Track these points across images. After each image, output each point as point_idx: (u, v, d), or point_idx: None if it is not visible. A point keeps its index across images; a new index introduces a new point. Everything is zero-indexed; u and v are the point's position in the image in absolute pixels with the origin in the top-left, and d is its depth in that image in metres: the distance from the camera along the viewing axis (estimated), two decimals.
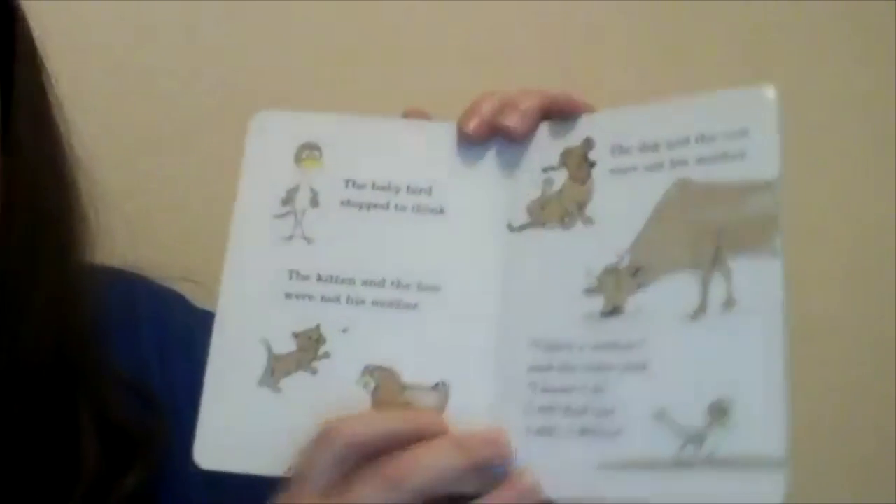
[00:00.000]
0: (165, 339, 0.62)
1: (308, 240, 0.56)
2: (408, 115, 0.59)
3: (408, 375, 0.54)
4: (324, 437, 0.49)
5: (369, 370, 0.54)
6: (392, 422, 0.51)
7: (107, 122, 0.78)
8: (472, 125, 0.56)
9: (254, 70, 0.83)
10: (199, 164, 0.81)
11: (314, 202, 0.57)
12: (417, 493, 0.48)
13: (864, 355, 0.99)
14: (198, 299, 0.65)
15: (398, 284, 0.55)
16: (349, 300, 0.55)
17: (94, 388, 0.56)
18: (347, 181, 0.57)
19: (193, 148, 0.82)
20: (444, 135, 0.58)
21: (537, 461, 0.51)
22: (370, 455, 0.49)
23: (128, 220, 0.62)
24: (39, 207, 0.54)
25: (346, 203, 0.57)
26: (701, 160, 0.52)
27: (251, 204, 0.57)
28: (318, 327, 0.55)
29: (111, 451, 0.55)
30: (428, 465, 0.48)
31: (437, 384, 0.54)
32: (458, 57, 0.90)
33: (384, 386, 0.54)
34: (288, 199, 0.57)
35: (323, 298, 0.55)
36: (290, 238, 0.56)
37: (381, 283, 0.55)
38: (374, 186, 0.57)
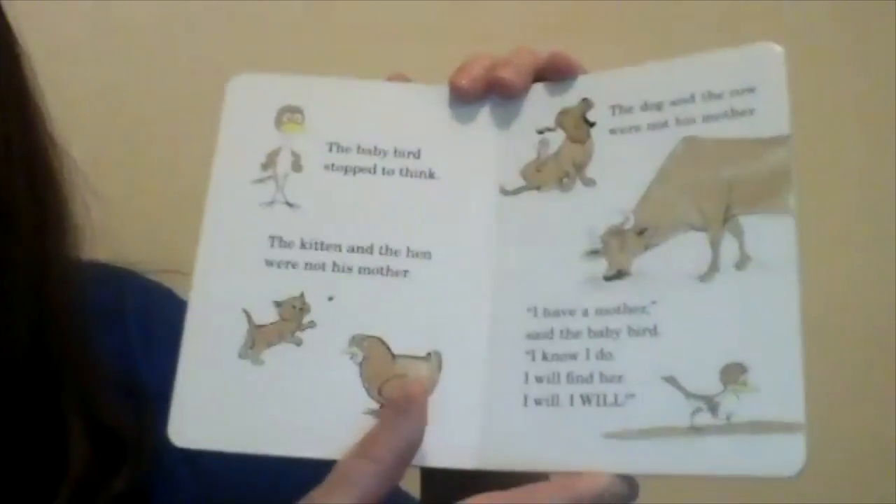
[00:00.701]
0: (152, 332, 0.60)
1: (290, 205, 0.53)
2: (390, 80, 0.57)
3: (398, 345, 0.51)
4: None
5: (357, 340, 0.51)
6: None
7: (97, 117, 0.77)
8: (466, 80, 0.54)
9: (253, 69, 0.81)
10: (189, 157, 0.79)
11: (296, 166, 0.54)
12: None
13: (864, 355, 0.99)
14: (186, 292, 0.62)
15: (387, 250, 0.52)
16: (335, 267, 0.52)
17: (81, 387, 0.53)
18: (331, 145, 0.54)
19: (182, 140, 0.81)
20: (432, 97, 0.55)
21: (538, 432, 0.49)
22: None
23: (117, 215, 0.60)
24: (15, 200, 0.52)
25: (330, 167, 0.54)
26: (708, 118, 0.50)
27: (228, 169, 0.54)
28: (301, 295, 0.51)
29: (100, 451, 0.53)
30: None
31: (428, 353, 0.51)
32: (446, 35, 0.90)
33: (373, 356, 0.51)
34: (268, 164, 0.54)
35: (307, 266, 0.52)
36: (271, 203, 0.53)
37: (369, 250, 0.52)
38: (359, 150, 0.54)
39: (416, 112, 0.55)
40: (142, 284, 0.64)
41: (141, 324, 0.61)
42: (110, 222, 0.59)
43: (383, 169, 0.54)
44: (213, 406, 0.49)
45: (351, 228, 0.53)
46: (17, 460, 0.50)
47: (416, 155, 0.54)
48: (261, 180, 0.53)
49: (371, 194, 0.53)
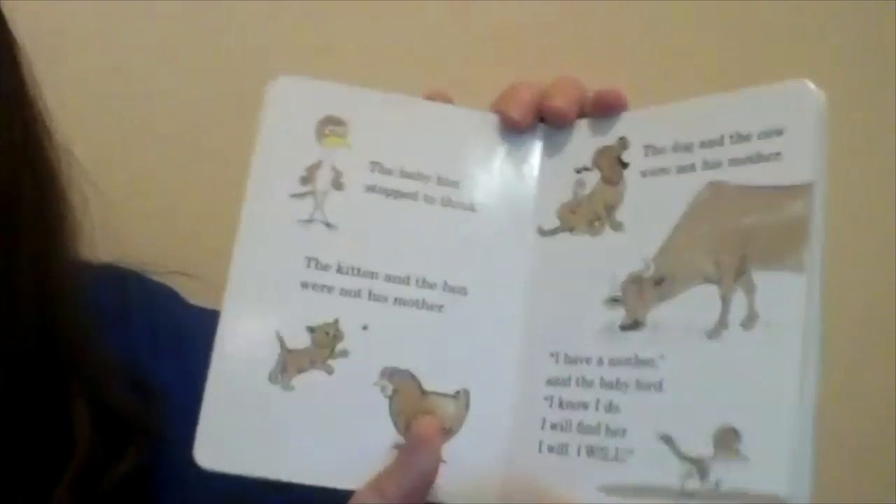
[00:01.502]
0: (156, 334, 0.61)
1: (329, 225, 0.52)
2: (430, 97, 0.55)
3: (428, 380, 0.52)
4: None
5: (388, 373, 0.52)
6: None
7: (102, 118, 0.79)
8: (517, 111, 0.52)
9: (252, 70, 0.79)
10: (195, 160, 0.81)
11: (337, 184, 0.53)
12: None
13: (864, 355, 0.96)
14: (191, 294, 0.65)
15: (423, 283, 0.52)
16: (371, 296, 0.52)
17: (84, 374, 0.55)
18: (374, 164, 0.53)
19: (189, 143, 0.82)
20: (478, 123, 0.54)
21: (548, 479, 0.49)
22: None
23: (122, 215, 0.63)
24: (18, 193, 0.53)
25: (372, 189, 0.53)
26: (735, 161, 0.48)
27: (266, 181, 0.52)
28: (336, 322, 0.51)
29: (105, 435, 0.54)
30: None
31: (457, 392, 0.52)
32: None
33: (403, 391, 0.52)
34: (308, 178, 0.52)
35: (342, 291, 0.52)
36: (310, 221, 0.52)
37: (406, 281, 0.52)
38: (402, 173, 0.53)
39: (461, 139, 0.54)
40: (146, 286, 0.64)
41: (146, 327, 0.61)
42: (115, 223, 0.61)
43: (425, 196, 0.53)
44: (240, 430, 0.50)
45: (389, 256, 0.52)
46: (24, 445, 0.52)
47: (456, 185, 0.53)
48: (300, 195, 0.52)
49: (411, 222, 0.53)
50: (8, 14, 0.56)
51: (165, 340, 0.59)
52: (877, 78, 0.98)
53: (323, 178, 0.53)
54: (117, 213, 0.62)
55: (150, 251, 0.64)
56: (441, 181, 0.53)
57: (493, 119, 0.54)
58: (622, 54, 0.93)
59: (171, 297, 0.64)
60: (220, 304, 0.51)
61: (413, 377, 0.52)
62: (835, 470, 0.89)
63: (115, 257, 0.61)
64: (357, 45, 0.84)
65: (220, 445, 0.50)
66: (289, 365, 0.51)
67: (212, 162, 0.69)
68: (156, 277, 0.64)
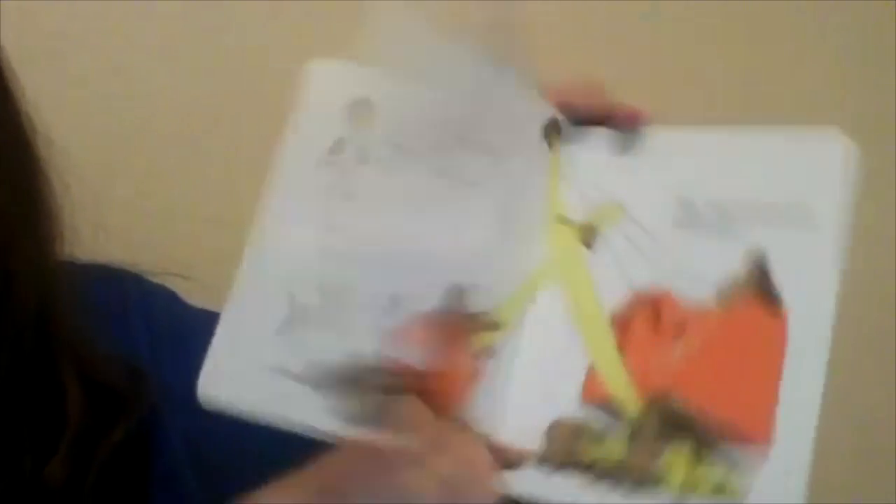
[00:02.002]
0: (155, 335, 0.62)
1: (351, 195, 0.53)
2: None
3: None
4: None
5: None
6: None
7: (103, 118, 0.79)
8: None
9: (250, 72, 0.82)
10: (196, 160, 0.81)
11: (363, 159, 0.54)
12: None
13: (864, 355, 0.96)
14: (189, 295, 0.65)
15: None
16: (385, 265, 0.52)
17: (76, 354, 0.56)
18: (397, 146, 0.54)
19: (189, 144, 0.82)
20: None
21: None
22: None
23: (124, 216, 0.64)
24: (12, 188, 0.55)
25: (393, 167, 0.53)
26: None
27: (297, 150, 0.54)
28: (346, 286, 0.52)
29: (96, 408, 0.55)
30: None
31: None
32: None
33: None
34: (336, 149, 0.54)
35: (359, 259, 0.52)
36: (334, 189, 0.53)
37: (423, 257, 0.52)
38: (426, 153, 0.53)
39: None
40: (145, 286, 0.65)
41: (145, 325, 0.62)
42: (117, 223, 0.62)
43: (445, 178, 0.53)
44: (244, 372, 0.51)
45: (407, 232, 0.52)
46: (22, 421, 0.54)
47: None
48: (327, 164, 0.54)
49: (428, 201, 0.53)
50: (7, 14, 0.57)
51: (164, 339, 0.60)
52: (877, 78, 0.99)
53: (350, 152, 0.54)
54: (118, 214, 0.63)
55: (149, 250, 0.65)
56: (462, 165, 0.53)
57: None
58: (616, 50, 0.93)
59: (170, 297, 0.65)
60: (221, 305, 0.52)
61: None
62: (835, 470, 0.91)
63: (116, 257, 0.62)
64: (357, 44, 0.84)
65: (222, 381, 0.51)
66: (296, 320, 0.52)
67: (212, 162, 0.69)
68: (154, 279, 0.65)
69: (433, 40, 0.51)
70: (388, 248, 0.52)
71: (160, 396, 0.56)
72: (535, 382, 0.51)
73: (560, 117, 0.53)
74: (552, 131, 0.53)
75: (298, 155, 0.54)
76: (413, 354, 0.50)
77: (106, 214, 0.59)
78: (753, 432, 0.47)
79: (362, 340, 0.51)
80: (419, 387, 0.50)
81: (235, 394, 0.51)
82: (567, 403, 0.50)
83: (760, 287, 0.49)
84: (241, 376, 0.51)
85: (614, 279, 0.52)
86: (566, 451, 0.50)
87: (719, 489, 0.47)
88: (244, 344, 0.52)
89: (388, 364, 0.50)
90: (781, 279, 0.49)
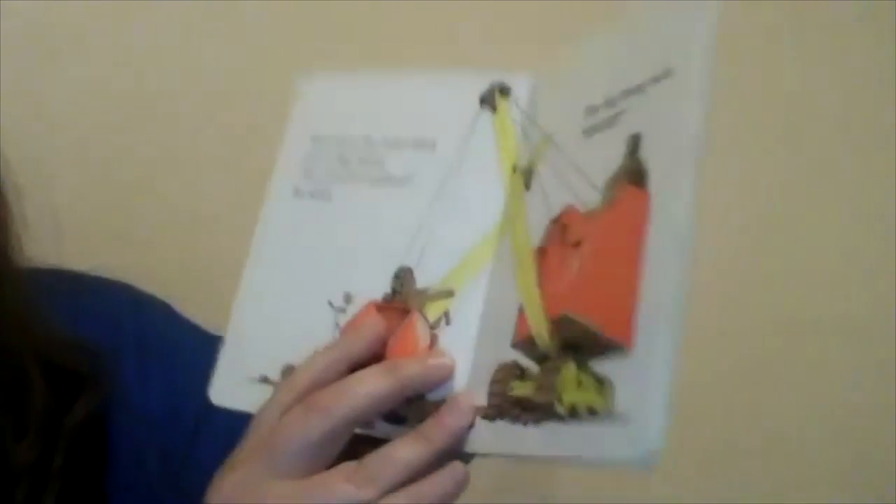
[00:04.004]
0: (144, 352, 0.62)
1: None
2: None
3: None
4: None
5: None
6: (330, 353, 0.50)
7: (105, 119, 0.80)
8: None
9: (251, 74, 0.82)
10: (197, 162, 0.82)
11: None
12: (346, 419, 0.47)
13: (864, 355, 0.95)
14: (185, 299, 0.65)
15: None
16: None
17: (37, 346, 0.57)
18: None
19: (190, 145, 0.82)
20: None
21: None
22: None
23: (126, 217, 0.66)
24: None
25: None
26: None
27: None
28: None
29: (59, 388, 0.57)
30: (356, 391, 0.47)
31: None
32: None
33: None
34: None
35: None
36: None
37: None
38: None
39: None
40: (137, 299, 0.65)
41: (134, 345, 0.62)
42: (118, 223, 0.64)
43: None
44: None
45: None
46: None
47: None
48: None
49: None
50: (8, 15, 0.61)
51: (152, 357, 0.62)
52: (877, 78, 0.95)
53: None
54: (119, 214, 0.66)
55: (150, 251, 0.68)
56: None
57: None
58: None
59: (163, 310, 0.66)
60: (219, 305, 0.56)
61: None
62: (835, 470, 0.93)
63: (116, 257, 0.64)
64: (357, 47, 0.85)
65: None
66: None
67: (214, 164, 0.72)
68: (145, 290, 0.66)
69: None
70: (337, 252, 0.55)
71: (139, 415, 0.58)
72: (485, 336, 0.49)
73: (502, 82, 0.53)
74: (491, 96, 0.54)
75: (285, 171, 0.57)
76: (374, 342, 0.51)
77: (105, 214, 0.63)
78: (617, 334, 0.40)
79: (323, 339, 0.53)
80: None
81: (242, 401, 0.54)
82: (504, 349, 0.47)
83: (631, 170, 0.43)
84: (244, 385, 0.54)
85: (542, 212, 0.48)
86: (502, 396, 0.47)
87: (592, 405, 0.41)
88: (245, 354, 0.55)
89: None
90: (649, 158, 0.42)
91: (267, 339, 0.54)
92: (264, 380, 0.53)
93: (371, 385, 0.48)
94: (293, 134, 0.58)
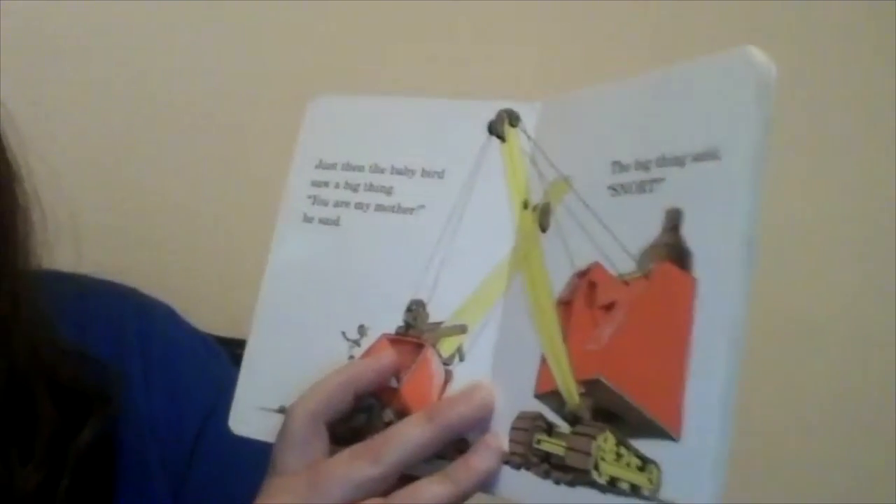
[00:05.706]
0: (149, 361, 0.62)
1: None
2: None
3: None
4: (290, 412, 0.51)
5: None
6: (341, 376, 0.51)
7: (108, 120, 0.80)
8: None
9: (251, 74, 0.82)
10: (198, 164, 0.81)
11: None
12: (395, 465, 0.48)
13: (864, 355, 0.96)
14: (188, 298, 0.65)
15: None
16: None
17: (44, 363, 0.56)
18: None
19: (191, 146, 0.82)
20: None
21: None
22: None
23: (126, 219, 0.65)
24: None
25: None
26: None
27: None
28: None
29: (66, 409, 0.56)
30: (401, 440, 0.48)
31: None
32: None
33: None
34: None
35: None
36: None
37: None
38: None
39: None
40: (143, 306, 0.64)
41: (139, 354, 0.62)
42: (119, 225, 0.63)
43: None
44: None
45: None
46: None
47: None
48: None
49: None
50: (8, 15, 0.59)
51: (157, 366, 0.61)
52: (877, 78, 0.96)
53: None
54: (120, 215, 0.65)
55: (150, 251, 0.67)
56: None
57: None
58: (616, 53, 0.89)
59: (168, 317, 0.65)
60: (219, 304, 0.56)
61: None
62: (835, 469, 0.93)
63: (117, 258, 0.64)
64: (357, 47, 0.84)
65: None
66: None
67: (214, 164, 0.70)
68: (152, 297, 0.65)
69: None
70: (349, 282, 0.54)
71: (144, 423, 0.58)
72: (502, 378, 0.50)
73: (510, 107, 0.52)
74: (500, 124, 0.52)
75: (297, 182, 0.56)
76: (384, 372, 0.51)
77: (105, 215, 0.62)
78: (662, 419, 0.41)
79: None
80: (396, 401, 0.52)
81: (260, 431, 0.54)
82: (526, 397, 0.48)
83: (672, 246, 0.43)
84: (261, 415, 0.54)
85: (562, 260, 0.48)
86: (527, 447, 0.48)
87: (636, 482, 0.42)
88: (261, 384, 0.55)
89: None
90: (691, 238, 0.42)
91: (283, 369, 0.54)
92: (281, 410, 0.53)
93: (417, 436, 0.48)
94: (301, 157, 0.57)
